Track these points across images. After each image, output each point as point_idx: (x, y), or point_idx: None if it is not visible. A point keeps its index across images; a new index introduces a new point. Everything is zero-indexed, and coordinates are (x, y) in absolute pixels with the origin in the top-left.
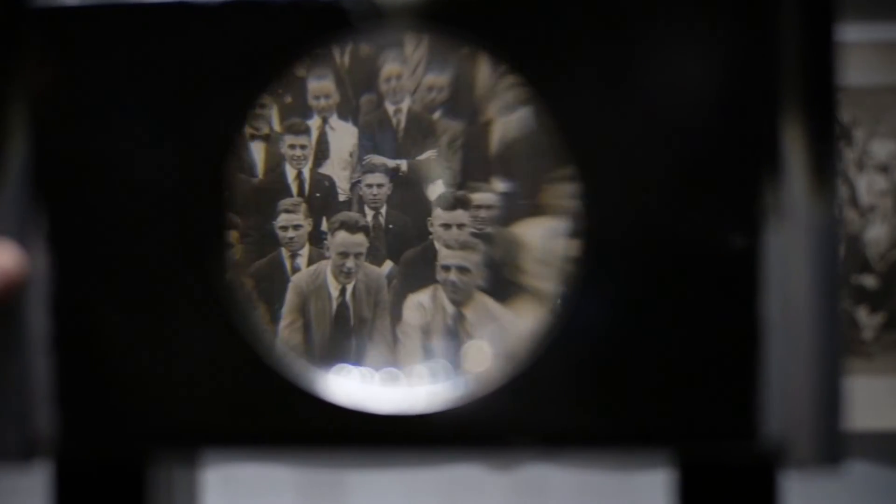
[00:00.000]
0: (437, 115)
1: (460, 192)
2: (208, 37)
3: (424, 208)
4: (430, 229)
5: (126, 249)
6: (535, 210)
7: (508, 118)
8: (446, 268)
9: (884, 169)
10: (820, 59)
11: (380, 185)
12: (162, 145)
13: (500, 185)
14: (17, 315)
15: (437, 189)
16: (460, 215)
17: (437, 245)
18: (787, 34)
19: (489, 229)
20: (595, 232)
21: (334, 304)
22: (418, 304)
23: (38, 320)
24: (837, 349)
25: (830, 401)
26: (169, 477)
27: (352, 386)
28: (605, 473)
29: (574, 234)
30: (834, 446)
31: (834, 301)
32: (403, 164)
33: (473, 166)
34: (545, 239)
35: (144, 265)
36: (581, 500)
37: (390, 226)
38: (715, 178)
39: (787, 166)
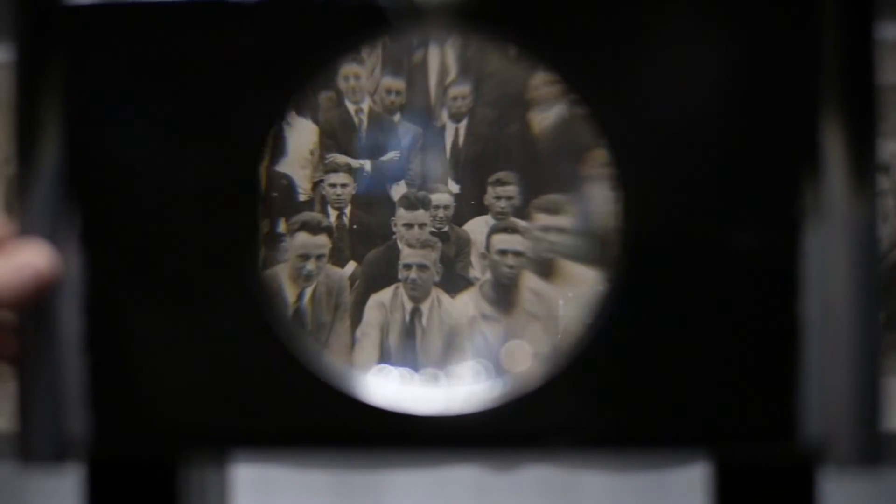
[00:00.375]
0: (396, 117)
1: (421, 193)
2: (244, 36)
3: (388, 208)
4: (394, 229)
5: (158, 249)
6: (479, 209)
7: (460, 124)
8: (408, 266)
9: (885, 169)
10: (860, 58)
11: (343, 185)
12: (196, 144)
13: (453, 186)
14: (49, 316)
15: (399, 189)
16: (421, 215)
17: (400, 244)
18: (827, 33)
19: (445, 228)
20: (633, 233)
21: (289, 311)
22: (379, 303)
23: (70, 321)
24: (876, 349)
25: (870, 401)
26: (201, 477)
27: (387, 386)
28: (642, 473)
29: (613, 235)
30: (873, 446)
31: (873, 301)
32: (367, 164)
33: (432, 168)
34: (485, 235)
35: (177, 265)
36: (616, 500)
37: (354, 226)
38: (755, 177)
39: (827, 166)
